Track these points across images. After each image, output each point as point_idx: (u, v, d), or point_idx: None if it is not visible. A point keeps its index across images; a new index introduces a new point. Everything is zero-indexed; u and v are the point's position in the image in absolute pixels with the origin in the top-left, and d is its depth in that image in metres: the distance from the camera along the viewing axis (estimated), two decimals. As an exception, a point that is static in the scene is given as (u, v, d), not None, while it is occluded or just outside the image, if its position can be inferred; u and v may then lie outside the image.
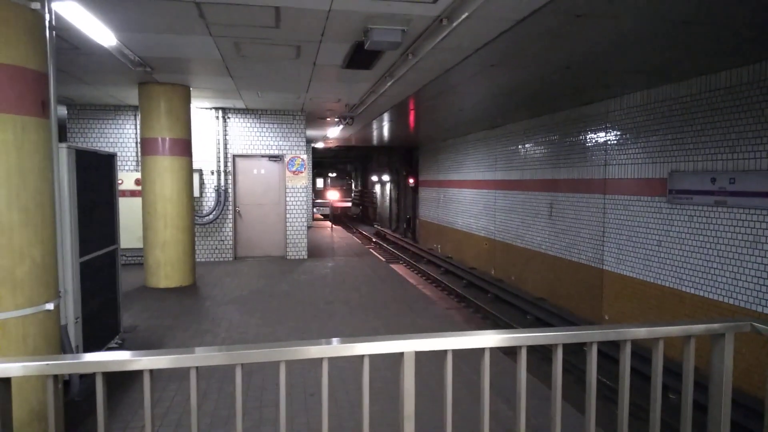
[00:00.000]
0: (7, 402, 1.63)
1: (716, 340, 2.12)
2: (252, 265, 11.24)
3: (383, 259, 15.36)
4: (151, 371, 1.72)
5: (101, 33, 5.68)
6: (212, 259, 11.74)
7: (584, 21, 5.28)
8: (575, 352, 7.91)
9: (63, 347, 3.98)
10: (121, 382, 4.61)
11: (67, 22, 5.18)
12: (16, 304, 3.35)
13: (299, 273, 10.45)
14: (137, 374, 4.71)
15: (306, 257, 12.21)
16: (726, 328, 2.09)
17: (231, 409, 4.25)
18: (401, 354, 1.87)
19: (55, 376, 1.68)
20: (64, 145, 4.43)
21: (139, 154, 10.77)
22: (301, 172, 12.13)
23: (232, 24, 5.52)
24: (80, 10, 4.98)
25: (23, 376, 1.66)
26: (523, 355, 1.93)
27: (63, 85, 8.69)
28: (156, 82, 8.55)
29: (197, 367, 1.76)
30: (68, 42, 6.09)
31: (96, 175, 5.20)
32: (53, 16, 4.01)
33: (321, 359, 1.88)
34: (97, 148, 6.67)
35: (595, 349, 2.01)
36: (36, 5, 3.54)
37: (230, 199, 11.84)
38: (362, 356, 1.87)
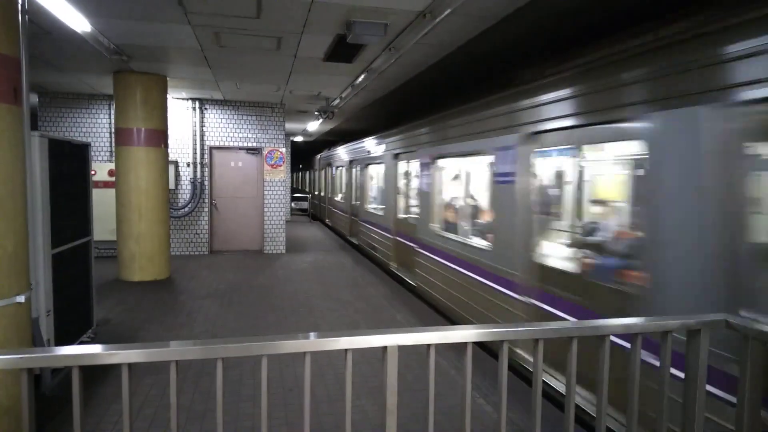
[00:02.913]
0: (-22, 396, 1.58)
1: (692, 336, 2.17)
2: (228, 259, 11.11)
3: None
4: (129, 365, 1.68)
5: (75, 18, 5.52)
6: (187, 253, 11.57)
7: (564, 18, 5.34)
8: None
9: (34, 340, 3.88)
10: (94, 376, 4.52)
11: (39, 5, 5.02)
12: (-15, 296, 3.25)
13: (277, 267, 10.37)
14: (111, 368, 4.62)
15: (284, 251, 12.12)
16: (701, 324, 2.14)
17: (207, 404, 4.20)
18: (384, 348, 1.86)
19: (29, 370, 1.64)
20: (36, 133, 4.30)
21: (113, 144, 10.54)
22: (280, 166, 12.02)
23: (211, 13, 5.43)
24: (53, -7, 4.83)
25: (-6, 370, 1.61)
26: (505, 350, 1.95)
27: (34, 71, 8.43)
28: (132, 70, 8.37)
29: (177, 362, 1.73)
30: (40, 27, 5.91)
31: (69, 165, 5.07)
32: (26, 0, 3.88)
33: (302, 354, 1.86)
34: (70, 138, 6.49)
35: (575, 344, 2.04)
36: (8, -12, 3.42)
37: (206, 191, 11.68)
38: (345, 350, 1.86)
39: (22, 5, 3.71)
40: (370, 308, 7.43)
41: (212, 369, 4.67)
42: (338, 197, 18.02)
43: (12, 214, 3.45)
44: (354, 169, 15.06)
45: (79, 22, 5.64)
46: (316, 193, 24.48)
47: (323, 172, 22.09)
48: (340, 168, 17.75)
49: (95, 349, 1.68)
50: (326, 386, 4.53)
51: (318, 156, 23.87)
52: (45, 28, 5.94)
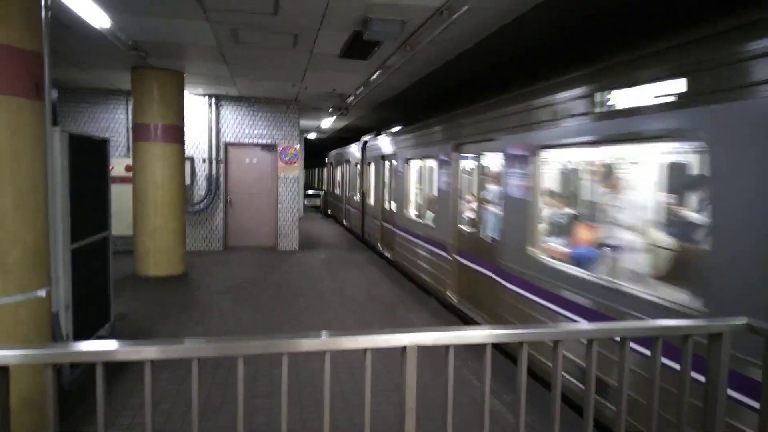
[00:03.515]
0: (4, 391, 1.61)
1: (713, 339, 2.14)
2: (242, 256, 11.18)
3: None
4: (152, 362, 1.70)
5: (96, 14, 5.58)
6: (202, 249, 11.66)
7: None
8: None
9: (54, 335, 3.93)
10: (109, 371, 4.57)
11: (61, 1, 5.07)
12: (7, 290, 3.30)
13: (290, 264, 10.42)
14: (127, 363, 4.67)
15: (297, 248, 12.16)
16: (723, 328, 2.11)
17: (224, 398, 4.24)
18: (403, 348, 1.86)
19: (54, 365, 1.66)
20: (57, 128, 4.35)
21: (130, 140, 10.63)
22: (294, 162, 12.06)
23: (229, 9, 5.45)
24: (75, -9, 4.89)
25: (19, 365, 1.63)
26: (524, 352, 1.94)
27: (54, 67, 8.48)
28: (150, 66, 8.43)
29: (199, 359, 1.74)
30: (60, 22, 5.97)
31: (88, 160, 5.12)
32: (49, -3, 3.93)
33: (321, 352, 1.87)
34: (90, 133, 6.57)
35: (594, 346, 2.02)
36: (32, -15, 3.47)
37: (221, 187, 11.75)
38: (365, 350, 1.86)
39: (46, 2, 3.75)
40: (383, 308, 7.44)
41: (227, 363, 4.72)
42: (360, 198, 14.97)
43: (33, 209, 3.50)
44: (385, 164, 12.26)
45: (98, 18, 5.70)
46: (333, 191, 22.31)
47: (339, 168, 20.58)
48: (366, 164, 14.53)
49: (119, 345, 1.70)
50: (340, 383, 4.54)
51: (336, 151, 21.71)
52: (65, 23, 6.01)
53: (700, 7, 3.69)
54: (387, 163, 12.03)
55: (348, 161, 18.01)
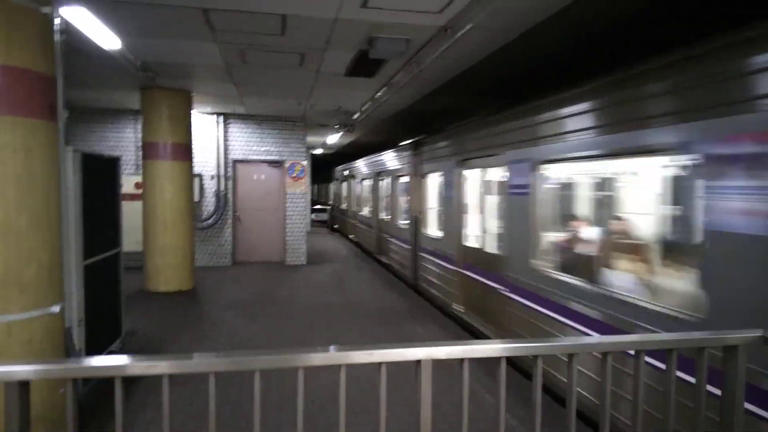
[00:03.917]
0: (25, 405, 1.63)
1: (729, 352, 2.13)
2: (251, 271, 11.21)
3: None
4: (170, 376, 1.72)
5: (107, 37, 5.69)
6: (211, 264, 11.70)
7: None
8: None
9: (67, 350, 3.96)
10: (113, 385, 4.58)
11: (73, 26, 5.18)
12: (22, 307, 3.35)
13: (298, 279, 10.43)
14: (136, 378, 4.67)
15: (305, 263, 12.18)
16: (739, 340, 2.10)
17: (235, 413, 4.23)
18: (418, 362, 1.87)
19: (74, 380, 1.68)
20: (70, 148, 4.42)
21: (139, 158, 10.74)
22: (301, 178, 12.14)
23: (237, 31, 5.54)
24: (87, 14, 4.99)
25: (38, 380, 1.65)
26: (539, 365, 1.94)
27: (66, 88, 8.65)
28: (158, 86, 8.55)
29: (216, 372, 1.76)
30: (72, 46, 6.08)
31: (100, 178, 5.20)
32: (62, 21, 4.02)
33: (336, 366, 1.88)
34: (101, 152, 6.64)
35: (609, 359, 2.03)
36: (46, 9, 3.55)
37: (230, 204, 11.83)
38: (379, 363, 1.87)
39: (59, 26, 3.84)
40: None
41: (237, 379, 4.72)
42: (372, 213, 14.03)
43: (47, 226, 3.55)
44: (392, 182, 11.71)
45: (110, 41, 5.80)
46: (341, 206, 21.93)
47: (344, 183, 20.28)
48: (378, 180, 13.70)
49: (137, 360, 1.72)
50: (349, 398, 4.53)
51: (343, 166, 21.31)
52: (75, 46, 6.12)
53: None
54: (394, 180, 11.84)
55: (338, 180, 18.04)
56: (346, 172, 19.76)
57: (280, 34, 5.60)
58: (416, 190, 9.95)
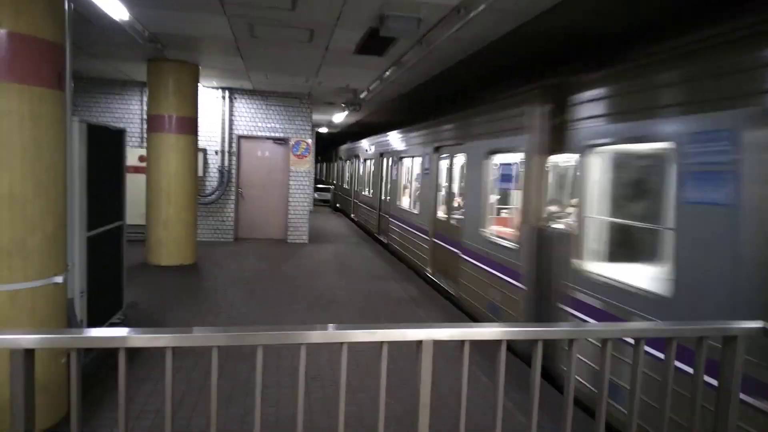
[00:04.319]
0: (30, 373, 1.65)
1: (727, 342, 2.14)
2: (253, 247, 11.25)
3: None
4: (173, 348, 1.74)
5: (115, 6, 5.63)
6: (213, 239, 11.74)
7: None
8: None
9: (69, 320, 3.99)
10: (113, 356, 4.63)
11: (82, -7, 5.13)
12: (26, 276, 3.36)
13: (300, 257, 10.47)
14: (138, 351, 4.72)
15: (307, 241, 12.22)
16: (739, 331, 2.11)
17: (233, 388, 4.29)
18: (419, 342, 1.89)
19: (78, 350, 1.70)
20: (76, 119, 4.41)
21: (144, 130, 10.72)
22: (306, 156, 12.10)
23: (247, 4, 5.48)
24: (96, -18, 4.93)
25: (41, 348, 1.67)
26: (539, 350, 1.95)
27: (72, 57, 8.60)
28: (165, 59, 8.49)
29: (218, 347, 1.78)
30: (81, 14, 6.03)
31: (105, 150, 5.18)
32: (71, -12, 3.98)
33: (338, 344, 1.90)
34: (107, 123, 6.62)
35: (609, 346, 2.04)
36: (55, -24, 3.51)
37: (233, 179, 11.82)
38: (381, 343, 1.88)
39: (68, -7, 3.80)
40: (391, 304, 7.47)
41: (236, 355, 4.76)
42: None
43: (53, 197, 3.55)
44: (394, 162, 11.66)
45: (118, 10, 5.74)
46: (345, 186, 21.77)
47: (347, 163, 19.93)
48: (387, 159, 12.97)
49: (141, 332, 1.74)
50: (348, 376, 4.58)
51: (347, 146, 21.10)
52: (84, 15, 6.07)
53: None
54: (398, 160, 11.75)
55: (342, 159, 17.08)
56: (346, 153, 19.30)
57: (291, 8, 5.53)
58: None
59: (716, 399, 2.19)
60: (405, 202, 11.58)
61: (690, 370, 2.20)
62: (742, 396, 2.25)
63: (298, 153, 12.01)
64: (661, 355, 2.17)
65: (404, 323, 1.67)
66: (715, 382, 2.21)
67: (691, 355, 2.22)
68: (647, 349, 3.13)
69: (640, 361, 2.06)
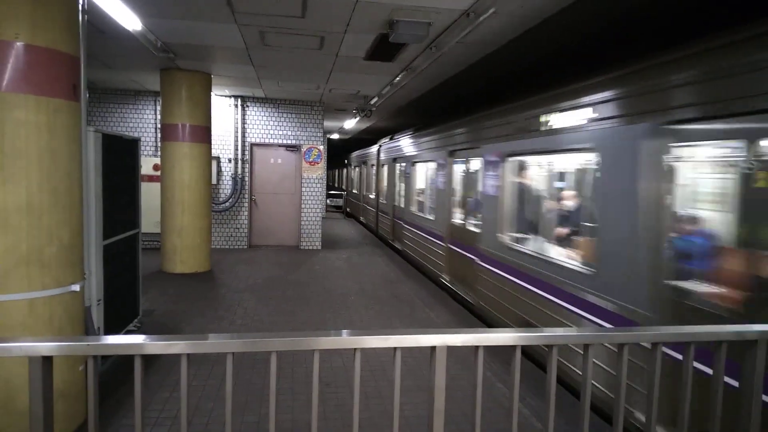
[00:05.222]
0: (49, 380, 1.67)
1: (748, 347, 2.11)
2: (266, 254, 11.31)
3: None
4: (189, 355, 1.75)
5: (128, 18, 5.71)
6: (227, 247, 11.83)
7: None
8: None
9: (86, 328, 4.04)
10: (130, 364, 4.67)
11: (96, 4, 5.21)
12: (44, 284, 3.41)
13: (313, 263, 10.49)
14: (154, 358, 4.75)
15: (320, 248, 12.25)
16: (759, 335, 2.07)
17: (248, 395, 4.30)
18: (433, 348, 1.88)
19: (95, 357, 1.71)
20: (91, 128, 4.47)
21: (158, 139, 10.85)
22: (318, 163, 12.15)
23: (258, 13, 5.53)
24: (110, -6, 5.01)
25: (59, 356, 1.69)
26: (554, 355, 1.93)
27: (87, 68, 8.74)
28: (178, 68, 8.59)
29: (233, 353, 1.78)
30: (94, 26, 6.13)
31: (120, 159, 5.25)
32: (86, 0, 4.04)
33: (352, 350, 1.89)
34: (122, 133, 6.73)
35: (626, 351, 2.01)
36: (71, -11, 3.57)
37: (247, 187, 11.90)
38: (394, 348, 1.88)
39: (83, 5, 3.86)
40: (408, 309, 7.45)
41: (250, 361, 4.78)
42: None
43: (69, 206, 3.60)
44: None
45: (131, 21, 5.83)
46: (355, 191, 21.42)
47: (362, 169, 19.51)
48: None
49: (157, 339, 1.75)
50: (361, 382, 4.57)
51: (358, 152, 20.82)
52: (98, 27, 6.17)
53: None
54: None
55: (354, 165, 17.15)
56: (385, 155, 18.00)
57: (301, 16, 5.57)
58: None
59: (738, 403, 2.15)
60: (418, 207, 11.43)
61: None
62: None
63: (310, 159, 12.07)
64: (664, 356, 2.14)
65: (418, 329, 1.66)
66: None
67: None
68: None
69: (658, 366, 2.03)
